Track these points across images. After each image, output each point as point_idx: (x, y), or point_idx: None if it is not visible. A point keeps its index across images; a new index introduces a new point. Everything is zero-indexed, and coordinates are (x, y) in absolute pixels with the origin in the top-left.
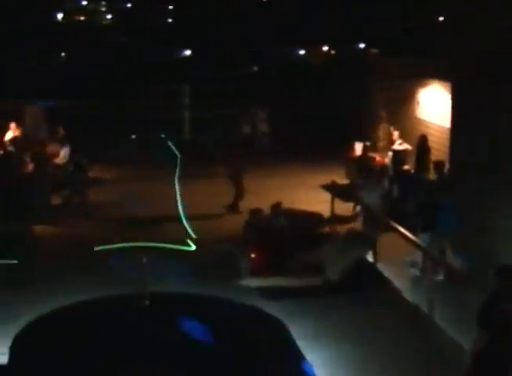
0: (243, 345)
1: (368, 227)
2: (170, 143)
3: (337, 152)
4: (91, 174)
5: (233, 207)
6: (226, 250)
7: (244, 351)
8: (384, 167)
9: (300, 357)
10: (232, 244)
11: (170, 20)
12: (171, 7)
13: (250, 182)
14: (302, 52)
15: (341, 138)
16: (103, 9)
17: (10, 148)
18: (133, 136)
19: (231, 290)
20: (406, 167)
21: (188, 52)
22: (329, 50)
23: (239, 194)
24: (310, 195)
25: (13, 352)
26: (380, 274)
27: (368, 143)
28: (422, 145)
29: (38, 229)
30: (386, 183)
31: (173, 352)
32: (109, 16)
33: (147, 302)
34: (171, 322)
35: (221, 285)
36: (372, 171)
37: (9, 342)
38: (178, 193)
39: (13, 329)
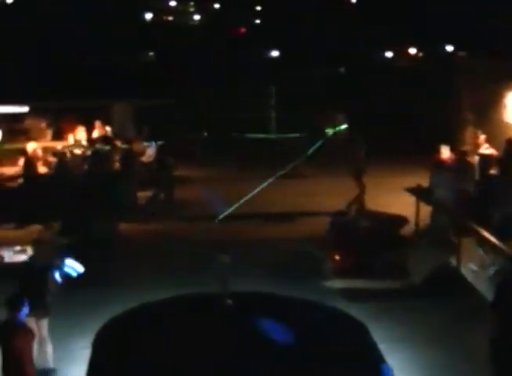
0: (324, 346)
1: (448, 230)
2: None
3: (423, 155)
4: (177, 172)
5: (357, 206)
6: (308, 250)
7: (325, 353)
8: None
9: (380, 360)
10: (315, 245)
11: (258, 21)
12: (258, 8)
13: (331, 183)
14: (389, 54)
15: (427, 141)
16: (192, 9)
17: (98, 146)
18: (205, 134)
19: (312, 291)
20: (493, 171)
21: (276, 53)
22: (416, 52)
23: (361, 193)
24: (395, 198)
25: (95, 348)
26: (463, 278)
27: (466, 148)
28: (509, 149)
29: (124, 227)
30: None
31: (254, 353)
32: (197, 17)
33: (229, 302)
34: (252, 322)
35: (302, 286)
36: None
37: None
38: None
39: (97, 325)
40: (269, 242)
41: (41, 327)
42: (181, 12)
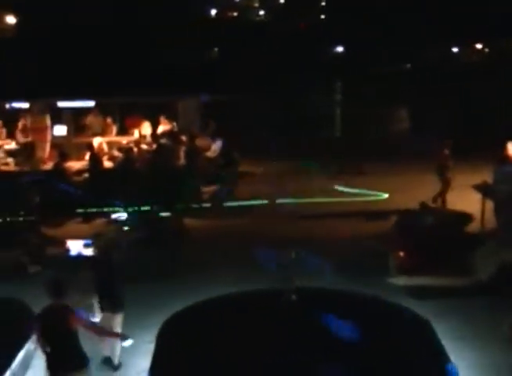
0: (388, 343)
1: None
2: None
3: (489, 151)
4: (242, 168)
5: (439, 201)
6: (373, 247)
7: (388, 349)
8: None
9: (444, 358)
10: (380, 242)
11: (322, 17)
12: (323, 3)
13: (396, 180)
14: (455, 49)
15: (494, 137)
16: (256, 5)
17: (163, 141)
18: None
19: (377, 287)
20: None
21: (340, 49)
22: (482, 48)
23: (445, 189)
24: (461, 195)
25: (159, 341)
26: None
27: None
28: None
29: (188, 221)
30: None
31: (318, 349)
32: (261, 13)
33: (294, 297)
34: (316, 318)
35: (367, 282)
36: None
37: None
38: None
39: (161, 320)
40: (334, 239)
41: (115, 322)
42: (245, 7)
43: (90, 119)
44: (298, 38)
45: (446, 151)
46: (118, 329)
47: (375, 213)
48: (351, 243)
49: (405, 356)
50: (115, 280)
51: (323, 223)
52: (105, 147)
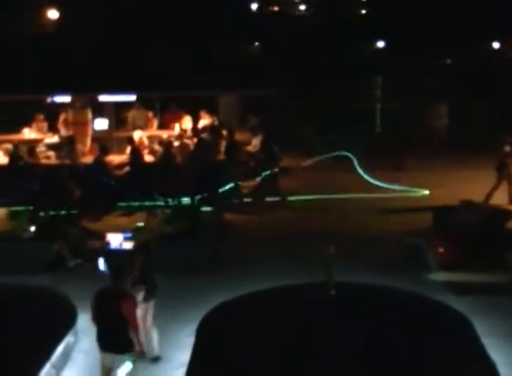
0: (427, 339)
1: None
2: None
3: None
4: (282, 163)
5: (488, 198)
6: (413, 243)
7: (428, 345)
8: None
9: (484, 355)
10: (420, 238)
11: (363, 11)
12: None
13: (437, 176)
14: (496, 45)
15: None
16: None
17: (203, 135)
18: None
19: (417, 283)
20: None
21: (381, 44)
22: None
23: (495, 186)
24: (501, 191)
25: (199, 335)
26: None
27: None
28: None
29: (228, 216)
30: None
31: (356, 344)
32: (302, 7)
33: (333, 292)
34: (356, 313)
35: (406, 278)
36: None
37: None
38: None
39: (202, 313)
40: (374, 234)
41: (148, 311)
42: (286, 2)
43: (132, 113)
44: (339, 33)
45: (507, 148)
46: (150, 318)
47: (415, 209)
48: (391, 239)
49: (443, 351)
50: (149, 272)
51: (362, 219)
52: (145, 141)
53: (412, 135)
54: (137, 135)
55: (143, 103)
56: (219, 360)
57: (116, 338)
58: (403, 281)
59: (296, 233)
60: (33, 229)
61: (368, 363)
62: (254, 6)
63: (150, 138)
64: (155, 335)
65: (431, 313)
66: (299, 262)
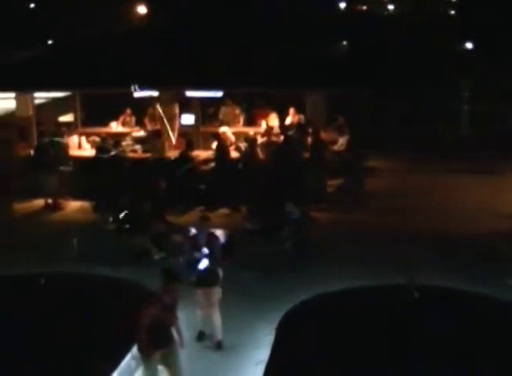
0: (506, 344)
1: None
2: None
3: None
4: (369, 163)
5: None
6: (494, 246)
7: (507, 350)
8: None
9: None
10: (500, 241)
11: (452, 12)
12: None
13: None
14: None
15: None
16: None
17: (290, 133)
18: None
19: (497, 288)
20: None
21: (469, 45)
22: None
23: None
24: None
25: (279, 333)
26: None
27: None
28: None
29: (312, 214)
30: None
31: (438, 347)
32: (391, 7)
33: (416, 295)
34: (438, 316)
35: (489, 283)
36: None
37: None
38: None
39: (282, 312)
40: (454, 237)
41: (209, 295)
42: (375, 1)
43: (224, 110)
44: (427, 33)
45: None
46: (215, 303)
47: (501, 213)
48: (475, 242)
49: None
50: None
51: (448, 222)
52: (232, 137)
53: (499, 138)
54: (223, 130)
55: (230, 99)
56: (298, 358)
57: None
58: (486, 286)
59: (380, 233)
60: (117, 221)
61: (461, 365)
62: (343, 5)
63: (236, 134)
64: (217, 320)
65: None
66: (382, 263)
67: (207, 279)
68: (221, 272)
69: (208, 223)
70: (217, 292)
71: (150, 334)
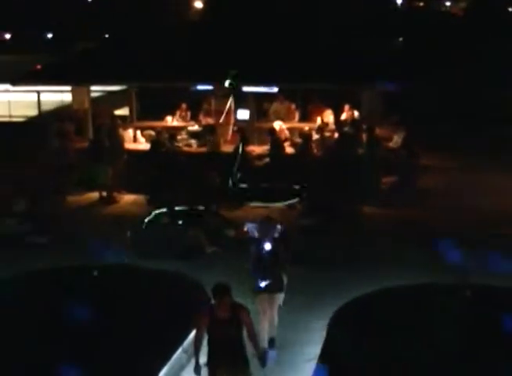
0: None
1: None
2: None
3: None
4: (424, 161)
5: None
6: None
7: None
8: None
9: None
10: None
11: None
12: None
13: None
14: None
15: None
16: None
17: (345, 129)
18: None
19: None
20: None
21: None
22: None
23: None
24: None
25: (330, 330)
26: None
27: None
28: None
29: (367, 210)
30: None
31: (489, 346)
32: (448, 3)
33: (469, 293)
34: (491, 316)
35: None
36: None
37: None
38: None
39: (333, 307)
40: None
41: (272, 302)
42: None
43: (276, 106)
44: (485, 30)
45: None
46: (275, 310)
47: None
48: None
49: None
50: (277, 263)
51: (505, 224)
52: (287, 133)
53: None
54: (277, 125)
55: (286, 94)
56: (349, 355)
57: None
58: None
59: (434, 232)
60: (170, 215)
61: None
62: (399, 1)
63: (291, 130)
64: (274, 321)
65: None
66: (436, 262)
67: (273, 284)
68: (285, 279)
69: (273, 223)
70: (281, 297)
71: (211, 349)
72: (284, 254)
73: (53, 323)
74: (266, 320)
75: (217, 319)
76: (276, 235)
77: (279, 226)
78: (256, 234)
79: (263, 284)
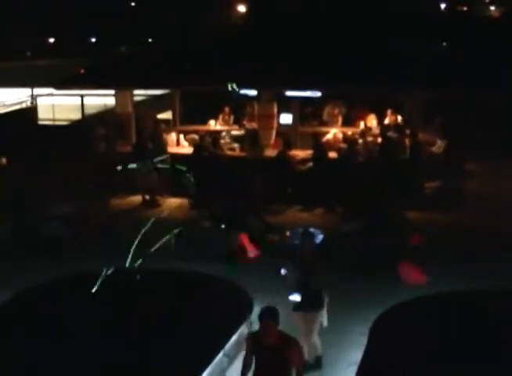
0: None
1: None
2: None
3: None
4: (468, 166)
5: None
6: None
7: None
8: None
9: None
10: None
11: None
12: None
13: None
14: None
15: None
16: (487, 0)
17: (389, 134)
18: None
19: None
20: None
21: None
22: None
23: None
24: None
25: (372, 334)
26: None
27: None
28: None
29: (410, 215)
30: None
31: None
32: (492, 8)
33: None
34: None
35: None
36: None
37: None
38: None
39: (376, 313)
40: None
41: (309, 321)
42: (476, 2)
43: (327, 110)
44: None
45: None
46: (315, 331)
47: None
48: None
49: None
50: (313, 277)
51: None
52: (341, 138)
53: None
54: (332, 132)
55: (331, 99)
56: (390, 360)
57: None
58: None
59: (478, 236)
60: (215, 219)
61: None
62: (443, 6)
63: (335, 134)
64: (317, 343)
65: None
66: (481, 267)
67: (310, 301)
68: (326, 297)
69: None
70: (320, 316)
71: (257, 373)
72: (321, 266)
73: (98, 326)
74: (303, 341)
75: (262, 344)
76: (317, 241)
77: (320, 236)
78: (296, 241)
79: (296, 300)
